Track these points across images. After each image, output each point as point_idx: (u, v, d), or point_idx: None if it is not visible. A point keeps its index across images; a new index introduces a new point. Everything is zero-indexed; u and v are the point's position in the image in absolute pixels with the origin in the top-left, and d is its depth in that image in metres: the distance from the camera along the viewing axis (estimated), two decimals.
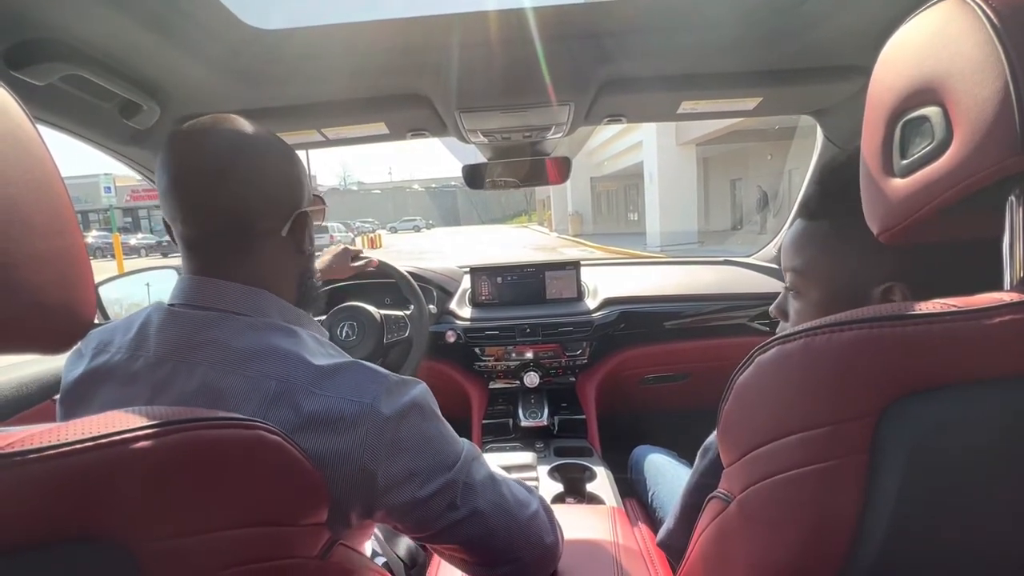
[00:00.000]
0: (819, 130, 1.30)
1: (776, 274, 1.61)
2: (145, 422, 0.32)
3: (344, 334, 1.33)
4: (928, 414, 0.32)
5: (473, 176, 1.41)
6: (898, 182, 0.39)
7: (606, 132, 15.05)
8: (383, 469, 0.45)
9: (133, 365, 0.48)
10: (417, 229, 39.95)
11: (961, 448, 0.32)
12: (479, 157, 1.43)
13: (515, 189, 1.47)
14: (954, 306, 0.33)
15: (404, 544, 0.89)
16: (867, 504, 0.33)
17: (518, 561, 0.57)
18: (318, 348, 0.50)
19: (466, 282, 1.68)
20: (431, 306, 1.49)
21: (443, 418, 0.53)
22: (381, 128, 1.17)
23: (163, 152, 0.50)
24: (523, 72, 0.95)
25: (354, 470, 0.44)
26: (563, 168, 1.38)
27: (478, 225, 48.78)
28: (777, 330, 0.62)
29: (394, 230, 39.93)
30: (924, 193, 0.37)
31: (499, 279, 1.64)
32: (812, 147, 1.38)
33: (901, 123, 0.39)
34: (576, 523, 0.83)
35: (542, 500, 0.63)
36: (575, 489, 1.18)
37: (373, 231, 31.36)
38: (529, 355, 1.54)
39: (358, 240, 23.19)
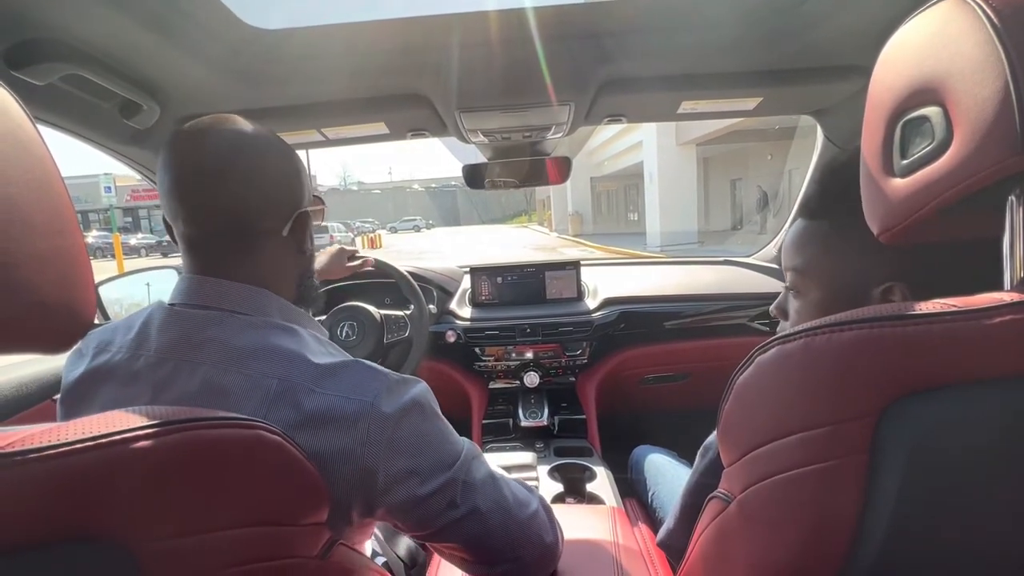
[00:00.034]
0: (819, 130, 1.30)
1: (776, 274, 1.61)
2: (145, 422, 0.32)
3: (344, 334, 1.33)
4: (928, 414, 0.32)
5: (473, 176, 1.41)
6: (898, 182, 0.39)
7: (606, 132, 15.06)
8: (383, 467, 0.45)
9: (134, 364, 0.48)
10: (417, 229, 39.95)
11: (961, 448, 0.32)
12: (479, 157, 1.43)
13: (515, 189, 1.47)
14: (954, 306, 0.33)
15: (404, 544, 0.89)
16: (867, 504, 0.33)
17: (518, 560, 0.57)
18: (319, 347, 0.50)
19: (466, 282, 1.68)
20: (431, 306, 1.49)
21: (443, 417, 0.53)
22: (381, 128, 1.17)
23: (164, 152, 0.50)
24: (523, 72, 0.95)
25: (355, 468, 0.44)
26: (563, 168, 1.38)
27: (478, 225, 48.78)
28: (777, 330, 0.62)
29: (394, 230, 39.92)
30: (924, 193, 0.37)
31: (499, 279, 1.64)
32: (812, 147, 1.38)
33: (901, 123, 0.39)
34: (576, 523, 0.83)
35: (542, 500, 0.63)
36: (575, 489, 1.18)
37: (373, 231, 31.36)
38: (529, 355, 1.54)
39: (358, 240, 23.18)
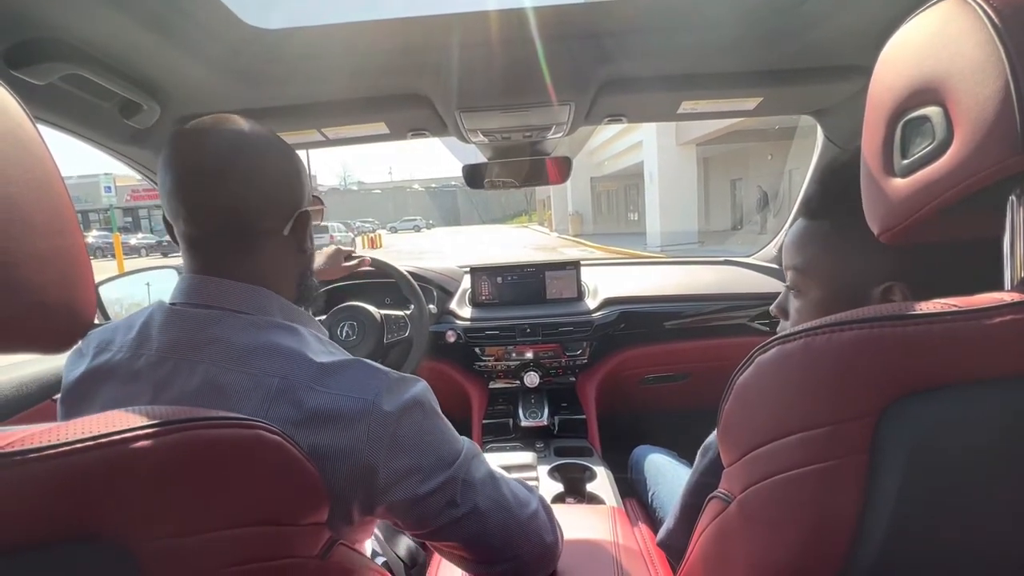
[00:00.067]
0: (819, 130, 1.30)
1: (776, 274, 1.61)
2: (145, 421, 0.32)
3: (344, 334, 1.33)
4: (928, 414, 0.32)
5: (473, 176, 1.41)
6: (899, 182, 0.39)
7: (606, 132, 15.06)
8: (384, 465, 0.46)
9: (135, 363, 0.48)
10: (417, 229, 39.94)
11: (961, 448, 0.32)
12: (479, 157, 1.43)
13: (515, 189, 1.47)
14: (954, 306, 0.33)
15: (404, 544, 0.89)
16: (867, 504, 0.33)
17: (517, 559, 0.57)
18: (319, 346, 0.50)
19: (466, 282, 1.68)
20: (431, 306, 1.49)
21: (443, 416, 0.53)
22: (381, 128, 1.17)
23: (165, 152, 0.51)
24: (523, 72, 0.95)
25: (356, 466, 0.45)
26: (563, 168, 1.38)
27: (478, 225, 48.78)
28: (777, 329, 0.62)
29: (394, 230, 39.92)
30: (925, 193, 0.37)
31: (499, 279, 1.64)
32: (812, 147, 1.38)
33: (902, 123, 0.39)
34: (576, 523, 0.83)
35: (542, 499, 0.63)
36: (575, 489, 1.18)
37: (373, 231, 31.35)
38: (529, 355, 1.54)
39: (358, 240, 23.18)
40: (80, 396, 0.50)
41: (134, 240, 21.51)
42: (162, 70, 0.86)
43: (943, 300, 0.34)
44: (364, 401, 0.45)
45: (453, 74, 0.95)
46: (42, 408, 0.96)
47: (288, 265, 0.57)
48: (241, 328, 0.48)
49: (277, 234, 0.54)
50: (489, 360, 1.56)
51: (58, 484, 0.29)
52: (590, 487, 1.16)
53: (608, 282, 1.68)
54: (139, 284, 1.51)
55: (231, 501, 0.35)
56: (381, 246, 23.24)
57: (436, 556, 0.78)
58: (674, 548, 0.73)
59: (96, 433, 0.30)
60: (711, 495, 0.45)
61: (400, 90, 1.04)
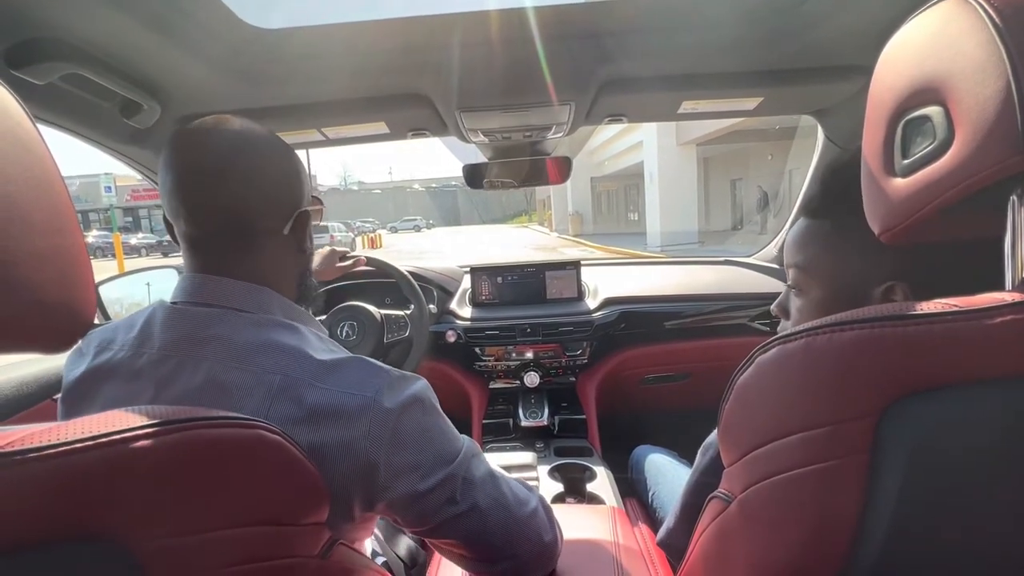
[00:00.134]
0: (820, 130, 1.30)
1: (776, 274, 1.61)
2: (145, 421, 0.32)
3: (344, 334, 1.33)
4: (929, 414, 0.32)
5: (474, 176, 1.41)
6: (899, 182, 0.39)
7: (606, 132, 15.06)
8: (385, 461, 0.46)
9: (137, 362, 0.48)
10: (417, 229, 39.96)
11: (962, 448, 0.32)
12: (480, 157, 1.43)
13: (515, 189, 1.47)
14: (955, 306, 0.33)
15: (404, 544, 0.89)
16: (868, 504, 0.33)
17: (516, 558, 0.57)
18: (320, 344, 0.51)
19: (466, 282, 1.68)
20: (431, 306, 1.49)
21: (444, 414, 0.53)
22: (381, 128, 1.17)
23: (165, 151, 0.51)
24: (524, 72, 0.95)
25: (356, 462, 0.45)
26: (563, 168, 1.38)
27: (478, 225, 48.80)
28: (778, 329, 0.62)
29: (394, 230, 39.94)
30: (925, 193, 0.36)
31: (499, 279, 1.64)
32: (813, 147, 1.38)
33: (902, 123, 0.39)
34: (576, 523, 0.83)
35: (541, 499, 0.63)
36: (575, 489, 1.18)
37: (373, 231, 31.36)
38: (529, 355, 1.54)
39: (358, 240, 23.18)
40: (81, 395, 0.51)
41: (134, 240, 21.52)
42: (162, 70, 0.86)
43: (944, 300, 0.34)
44: (365, 398, 0.46)
45: (453, 74, 0.95)
46: (42, 408, 0.96)
47: (288, 265, 0.57)
48: (242, 326, 0.48)
49: (277, 234, 0.54)
50: (489, 360, 1.56)
51: (58, 484, 0.29)
52: (590, 487, 1.16)
53: (608, 282, 1.68)
54: (139, 284, 1.51)
55: (231, 501, 0.35)
56: (381, 246, 23.24)
57: (436, 556, 0.78)
58: (674, 547, 0.73)
59: (96, 433, 0.30)
60: (711, 495, 0.45)
61: (400, 90, 1.04)
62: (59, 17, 0.67)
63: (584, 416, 1.52)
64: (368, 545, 0.74)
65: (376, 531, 0.85)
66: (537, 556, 0.60)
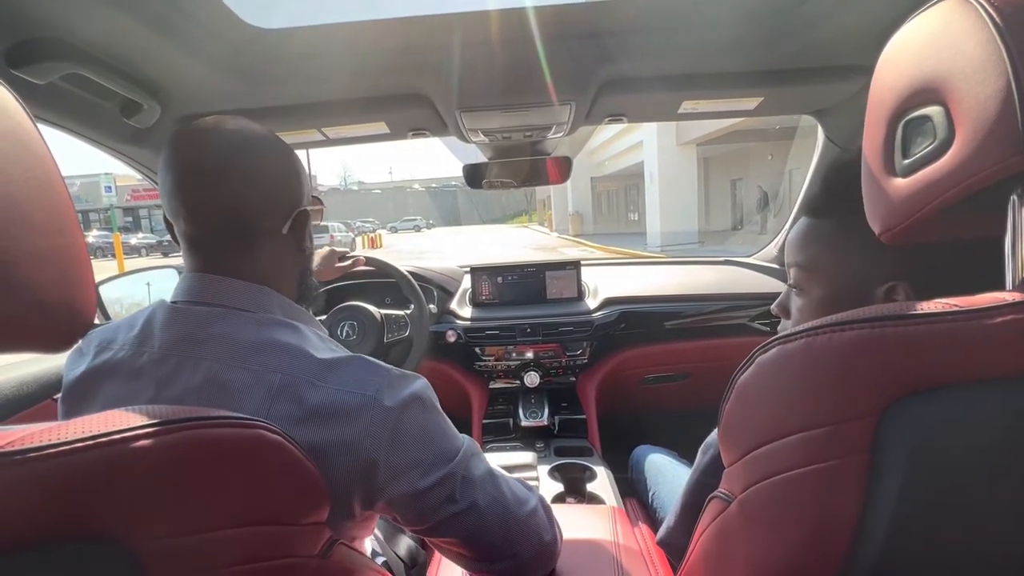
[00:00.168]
0: (820, 130, 1.30)
1: (776, 274, 1.61)
2: (145, 421, 0.32)
3: (344, 333, 1.33)
4: (929, 414, 0.32)
5: (474, 176, 1.40)
6: (900, 182, 0.39)
7: (607, 132, 15.05)
8: (385, 459, 0.46)
9: (137, 361, 0.49)
10: (417, 229, 39.95)
11: (962, 448, 0.32)
12: (480, 157, 1.43)
13: (515, 189, 1.47)
14: (956, 306, 0.33)
15: (404, 544, 0.89)
16: (868, 504, 0.33)
17: (516, 557, 0.57)
18: (320, 343, 0.51)
19: (466, 282, 1.68)
20: (431, 306, 1.49)
21: (443, 413, 0.53)
22: (382, 127, 1.17)
23: (166, 151, 0.51)
24: (524, 71, 0.95)
25: (357, 460, 0.45)
26: (564, 168, 1.38)
27: (479, 225, 48.80)
28: (778, 329, 0.62)
29: (394, 230, 39.93)
30: (926, 193, 0.36)
31: (499, 279, 1.64)
32: (813, 147, 1.38)
33: (903, 122, 0.39)
34: (576, 523, 0.83)
35: (541, 499, 0.63)
36: (575, 489, 1.18)
37: (373, 231, 31.36)
38: (529, 355, 1.54)
39: (358, 240, 23.17)
40: (81, 394, 0.51)
41: (134, 240, 21.52)
42: (163, 70, 0.86)
43: (944, 300, 0.34)
44: (365, 396, 0.46)
45: (454, 74, 0.95)
46: (42, 407, 0.96)
47: (288, 264, 0.57)
48: (243, 325, 0.49)
49: (276, 233, 0.54)
50: (489, 360, 1.56)
51: (58, 483, 0.29)
52: (590, 487, 1.16)
53: (608, 282, 1.67)
54: (139, 284, 1.51)
55: (232, 501, 0.35)
56: (381, 246, 23.25)
57: (436, 556, 0.78)
58: (674, 547, 0.73)
59: (96, 432, 0.30)
60: (712, 495, 0.45)
61: (401, 90, 1.04)
62: (59, 17, 0.67)
63: (584, 416, 1.52)
64: (368, 545, 0.74)
65: (376, 531, 0.85)
66: (537, 555, 0.60)
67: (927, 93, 0.37)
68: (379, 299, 1.51)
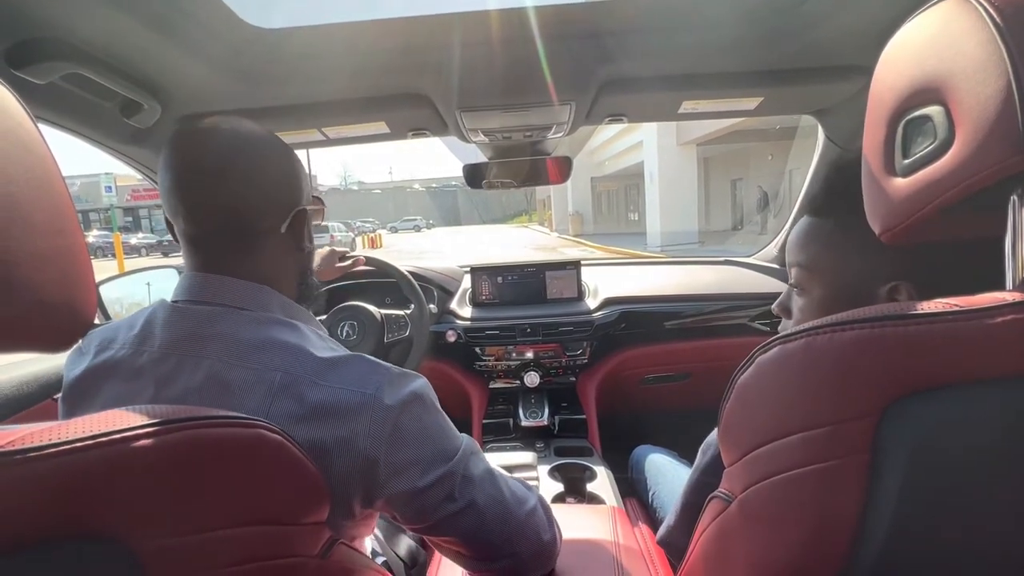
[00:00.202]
0: (820, 130, 1.30)
1: (776, 274, 1.61)
2: (146, 420, 0.32)
3: (344, 333, 1.33)
4: (929, 414, 0.32)
5: (474, 175, 1.40)
6: (900, 181, 0.39)
7: (607, 132, 15.05)
8: (385, 457, 0.46)
9: (138, 360, 0.49)
10: (418, 229, 39.95)
11: (962, 448, 0.32)
12: (480, 157, 1.43)
13: (515, 189, 1.47)
14: (956, 306, 0.33)
15: (404, 543, 0.89)
16: (868, 504, 0.33)
17: (515, 556, 0.57)
18: (320, 342, 0.51)
19: (467, 282, 1.68)
20: (431, 306, 1.49)
21: (443, 412, 0.53)
22: (382, 127, 1.17)
23: (165, 151, 0.51)
24: (524, 71, 0.95)
25: (357, 459, 0.45)
26: (564, 168, 1.38)
27: (479, 225, 48.80)
28: (779, 328, 0.62)
29: (395, 230, 39.93)
30: (926, 192, 0.36)
31: (500, 279, 1.64)
32: (813, 147, 1.38)
33: (903, 122, 0.39)
34: (576, 523, 0.83)
35: (541, 498, 0.63)
36: (575, 489, 1.18)
37: (373, 231, 31.36)
38: (529, 355, 1.54)
39: (358, 240, 23.18)
40: (81, 393, 0.51)
41: (134, 240, 21.52)
42: (163, 70, 0.86)
43: (944, 300, 0.34)
44: (365, 395, 0.46)
45: (454, 73, 0.95)
46: (43, 407, 0.96)
47: (288, 264, 0.57)
48: (243, 324, 0.49)
49: (275, 232, 0.55)
50: (489, 360, 1.56)
51: (59, 483, 0.29)
52: (590, 487, 1.16)
53: (608, 282, 1.67)
54: (139, 284, 1.51)
55: (232, 500, 0.35)
56: (381, 246, 23.25)
57: (436, 556, 0.78)
58: (674, 546, 0.73)
59: (96, 432, 0.30)
60: (712, 495, 0.45)
61: (401, 90, 1.04)
62: (60, 17, 0.67)
63: (584, 416, 1.52)
64: (368, 544, 0.74)
65: (376, 531, 0.85)
66: (536, 555, 0.60)
67: (927, 93, 0.37)
68: (379, 299, 1.51)
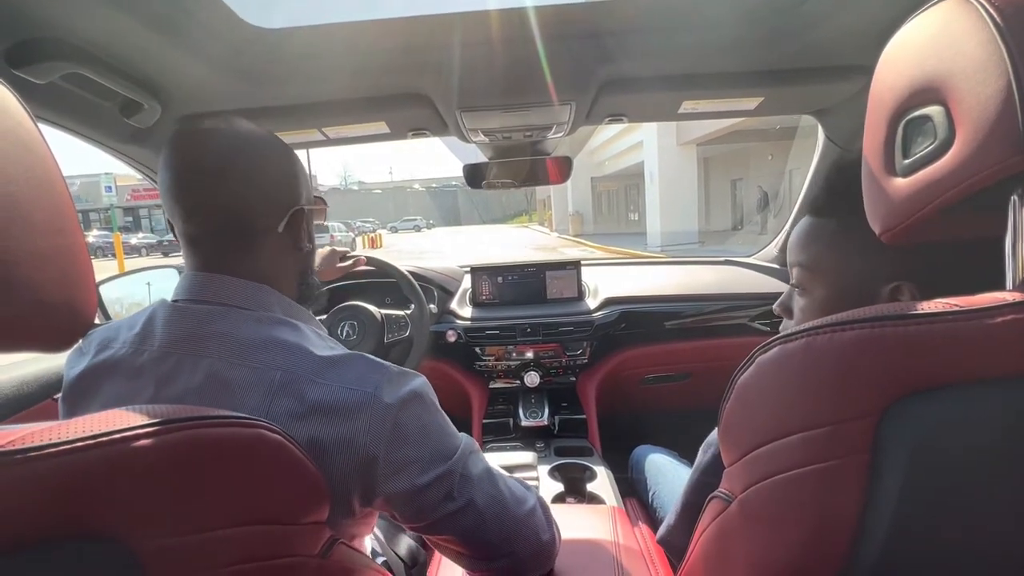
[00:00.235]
0: (820, 130, 1.30)
1: (777, 274, 1.61)
2: (146, 420, 0.32)
3: (345, 333, 1.33)
4: (930, 414, 0.32)
5: (474, 175, 1.40)
6: (900, 181, 0.39)
7: (607, 132, 15.05)
8: (384, 455, 0.46)
9: (138, 359, 0.49)
10: (418, 229, 39.97)
11: (962, 448, 0.32)
12: (480, 157, 1.43)
13: (516, 189, 1.47)
14: (956, 306, 0.33)
15: (404, 543, 0.89)
16: (868, 504, 0.33)
17: (514, 555, 0.58)
18: (320, 341, 0.51)
19: (467, 282, 1.68)
20: (432, 306, 1.49)
21: (442, 411, 0.54)
22: (382, 127, 1.17)
23: (165, 151, 0.51)
24: (524, 71, 0.95)
25: (356, 457, 0.45)
26: (564, 168, 1.38)
27: (479, 225, 48.82)
28: (780, 328, 0.62)
29: (395, 230, 39.95)
30: (926, 192, 0.36)
31: (500, 279, 1.64)
32: (813, 147, 1.38)
33: (903, 122, 0.39)
34: (576, 523, 0.83)
35: (540, 498, 0.63)
36: (575, 489, 1.18)
37: (374, 231, 31.37)
38: (529, 355, 1.54)
39: (358, 240, 23.19)
40: (82, 392, 0.51)
41: (135, 239, 21.54)
42: (163, 69, 0.86)
43: (945, 300, 0.34)
44: (364, 393, 0.46)
45: (454, 73, 0.95)
46: (43, 407, 0.96)
47: (288, 263, 0.57)
48: (243, 323, 0.49)
49: (274, 232, 0.55)
50: (489, 360, 1.56)
51: (59, 483, 0.29)
52: (590, 487, 1.16)
53: (608, 282, 1.67)
54: (140, 283, 1.51)
55: (232, 500, 0.35)
56: (381, 246, 23.25)
57: (436, 555, 0.78)
58: (674, 545, 0.73)
59: (97, 432, 0.30)
60: (712, 495, 0.45)
61: (401, 89, 1.04)
62: (60, 17, 0.67)
63: (584, 416, 1.52)
64: (368, 544, 0.74)
65: (376, 531, 0.85)
66: (535, 554, 0.60)
67: (927, 93, 0.37)
68: (379, 299, 1.51)
